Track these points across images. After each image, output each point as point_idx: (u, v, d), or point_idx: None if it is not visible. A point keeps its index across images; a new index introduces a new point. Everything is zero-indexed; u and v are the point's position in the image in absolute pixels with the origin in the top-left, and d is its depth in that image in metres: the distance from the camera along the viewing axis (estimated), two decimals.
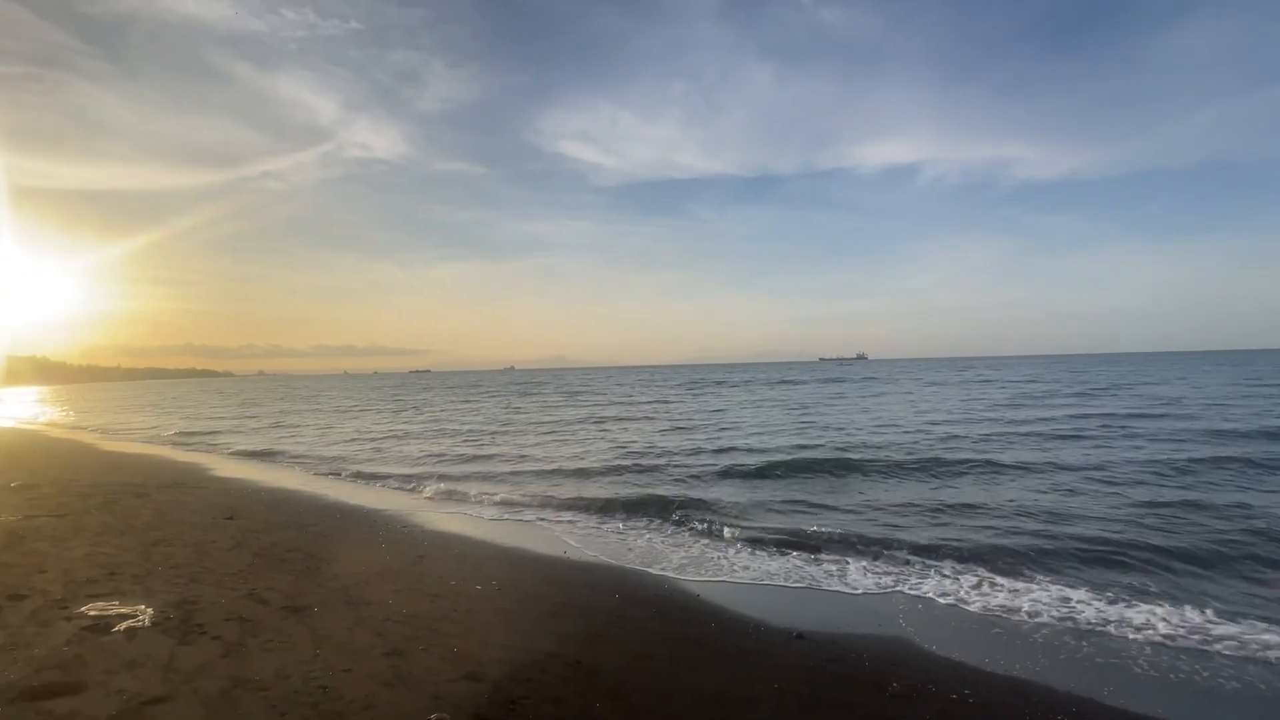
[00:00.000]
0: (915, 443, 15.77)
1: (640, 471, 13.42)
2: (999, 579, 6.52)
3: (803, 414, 25.97)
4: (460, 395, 54.60)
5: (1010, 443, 15.71)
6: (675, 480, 12.52)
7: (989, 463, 12.68)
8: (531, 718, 3.62)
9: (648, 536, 8.58)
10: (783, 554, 7.54)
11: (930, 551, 7.46)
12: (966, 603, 5.97)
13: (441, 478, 13.68)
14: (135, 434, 25.63)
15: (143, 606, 5.05)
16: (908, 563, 7.13)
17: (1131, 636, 5.18)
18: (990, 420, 20.84)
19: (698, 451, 15.72)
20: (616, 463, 14.70)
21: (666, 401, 37.01)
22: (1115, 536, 7.80)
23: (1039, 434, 17.09)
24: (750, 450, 15.30)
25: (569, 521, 9.52)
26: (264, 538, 7.85)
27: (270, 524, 8.73)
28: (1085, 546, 7.44)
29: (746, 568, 7.15)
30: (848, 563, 7.18)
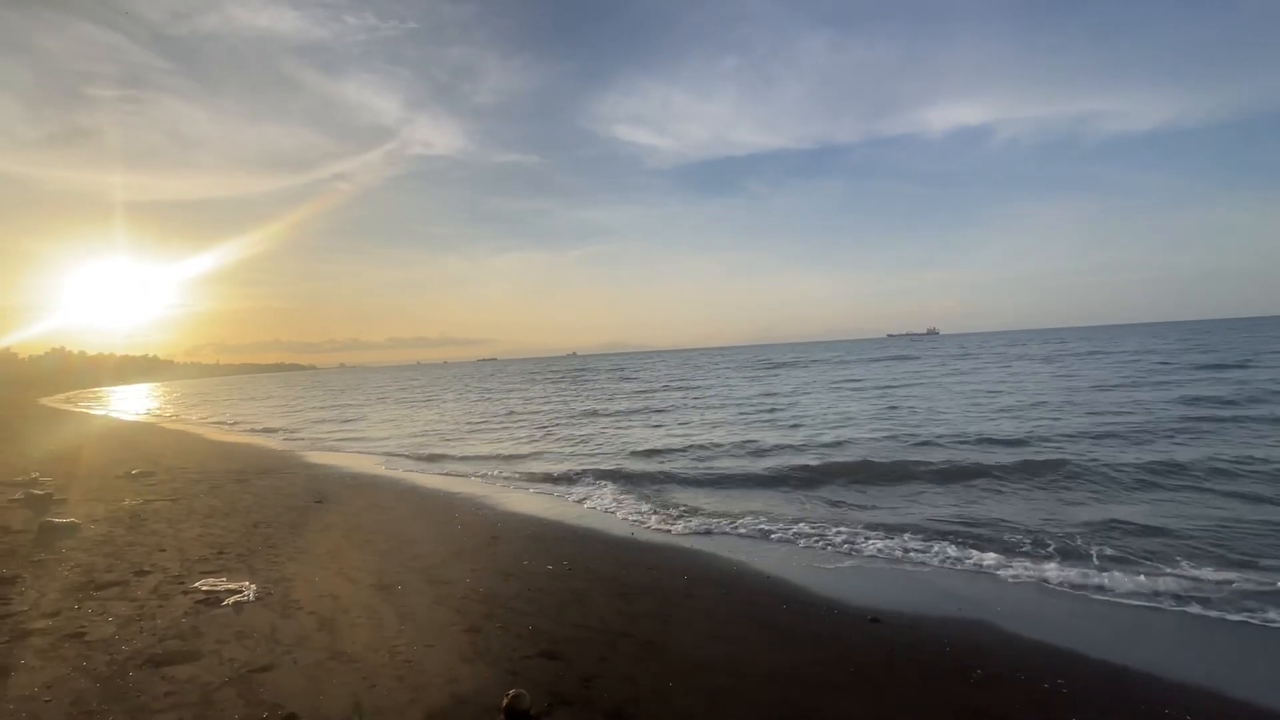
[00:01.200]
0: (1024, 434, 13.61)
1: (703, 459, 13.36)
2: (1104, 565, 6.09)
3: (881, 398, 24.08)
4: (524, 383, 55.95)
5: (1148, 432, 13.09)
6: (745, 472, 12.40)
7: (1113, 464, 10.36)
8: (606, 696, 3.69)
9: (714, 521, 8.53)
10: (860, 541, 7.32)
11: (1021, 532, 7.09)
12: (1059, 587, 5.64)
13: (510, 463, 14.15)
14: (233, 424, 27.76)
15: (247, 583, 5.48)
16: (990, 545, 6.80)
17: (1265, 625, 4.74)
18: (1112, 404, 17.68)
19: (765, 448, 15.29)
20: (681, 451, 14.70)
21: (731, 386, 36.60)
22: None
23: (1187, 418, 14.40)
24: (830, 445, 14.04)
25: (635, 507, 9.59)
26: (350, 520, 8.34)
27: (356, 507, 9.26)
28: (1217, 539, 6.80)
29: (819, 554, 7.01)
30: (928, 548, 6.90)
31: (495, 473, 12.87)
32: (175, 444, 18.86)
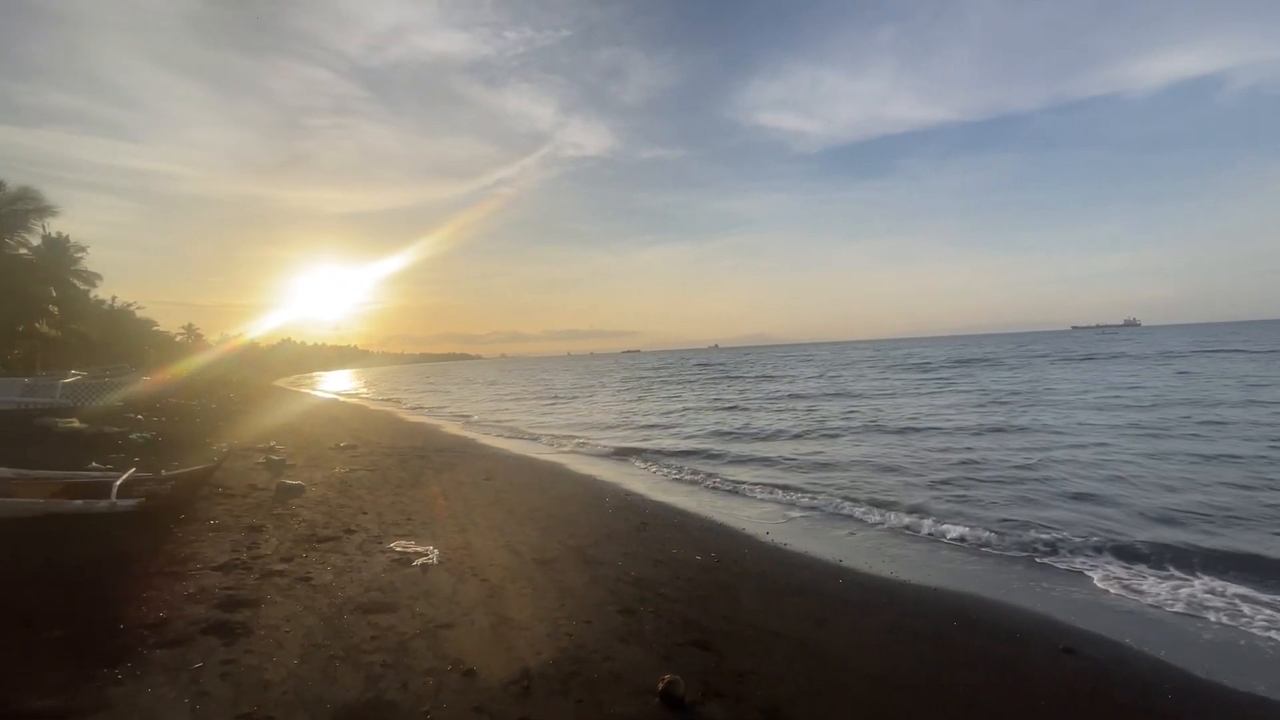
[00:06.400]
0: None
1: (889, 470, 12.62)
2: None
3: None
4: (671, 376, 56.75)
5: None
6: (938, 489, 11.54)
7: None
8: (760, 693, 3.61)
9: (875, 529, 8.03)
10: (1063, 556, 6.48)
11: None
12: None
13: (678, 459, 14.45)
14: (416, 407, 31.46)
15: (431, 547, 6.14)
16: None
17: None
18: None
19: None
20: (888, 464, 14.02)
21: (921, 393, 33.97)
22: None
23: None
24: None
25: (792, 506, 9.33)
26: (513, 497, 9.03)
27: (518, 485, 10.02)
28: None
29: (997, 569, 6.31)
30: (1149, 577, 5.93)
31: (650, 465, 13.24)
32: (371, 422, 21.77)
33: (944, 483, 9.92)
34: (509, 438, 18.48)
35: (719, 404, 25.81)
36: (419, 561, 5.71)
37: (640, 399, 31.08)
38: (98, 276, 35.85)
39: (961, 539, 7.14)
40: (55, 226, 29.98)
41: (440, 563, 5.72)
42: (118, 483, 6.76)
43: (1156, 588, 5.59)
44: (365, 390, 50.50)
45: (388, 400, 37.18)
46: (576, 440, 17.17)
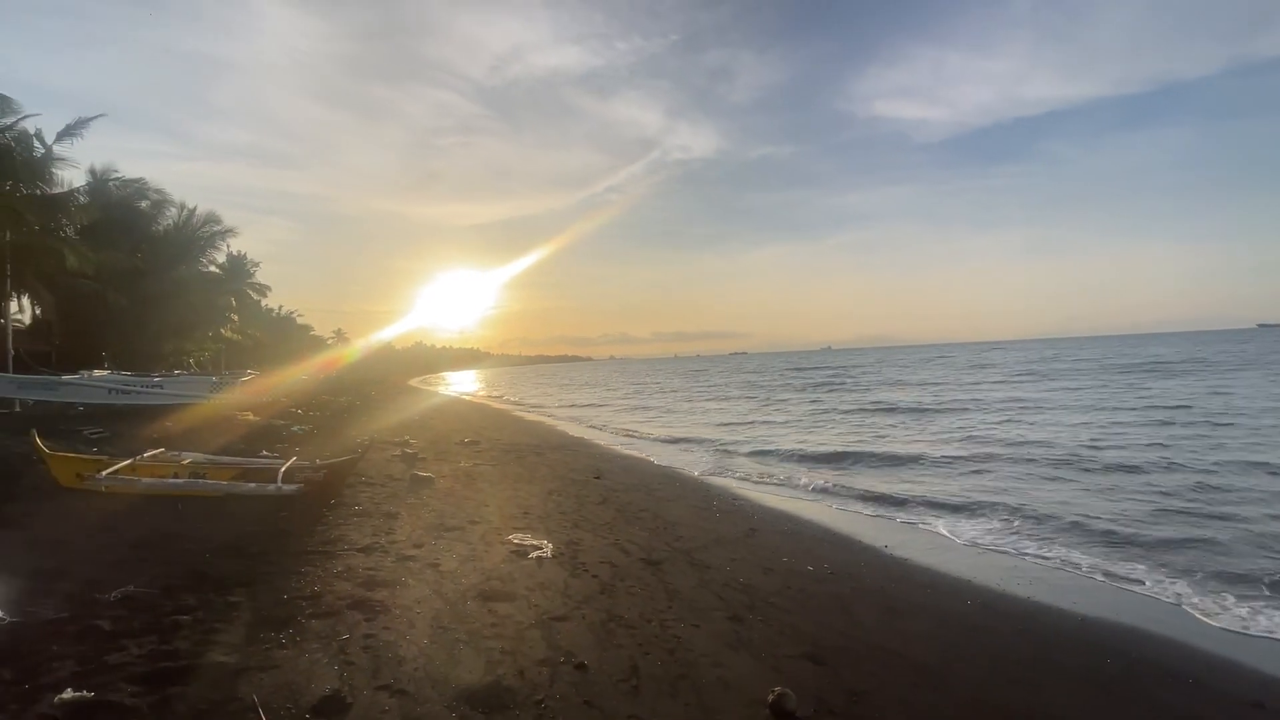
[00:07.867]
0: None
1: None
2: None
3: None
4: (779, 380, 55.36)
5: None
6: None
7: None
8: (877, 715, 3.42)
9: (1012, 551, 7.35)
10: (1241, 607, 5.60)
11: None
12: None
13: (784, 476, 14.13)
14: (532, 406, 33.03)
15: (545, 542, 6.41)
16: None
17: None
18: None
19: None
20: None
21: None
22: None
23: None
24: None
25: (914, 522, 8.77)
26: (622, 496, 9.21)
27: (626, 485, 10.21)
28: None
29: (1175, 610, 5.53)
30: None
31: (762, 473, 13.01)
32: (492, 419, 23.16)
33: (1102, 513, 8.83)
34: (617, 438, 18.90)
35: (827, 411, 24.80)
36: (535, 554, 5.98)
37: (747, 404, 30.60)
38: (267, 288, 41.30)
39: (1120, 570, 6.29)
40: (235, 245, 34.79)
41: (554, 557, 5.96)
42: (282, 469, 7.70)
43: None
44: (486, 389, 53.87)
45: (506, 399, 39.40)
46: (681, 443, 17.21)
